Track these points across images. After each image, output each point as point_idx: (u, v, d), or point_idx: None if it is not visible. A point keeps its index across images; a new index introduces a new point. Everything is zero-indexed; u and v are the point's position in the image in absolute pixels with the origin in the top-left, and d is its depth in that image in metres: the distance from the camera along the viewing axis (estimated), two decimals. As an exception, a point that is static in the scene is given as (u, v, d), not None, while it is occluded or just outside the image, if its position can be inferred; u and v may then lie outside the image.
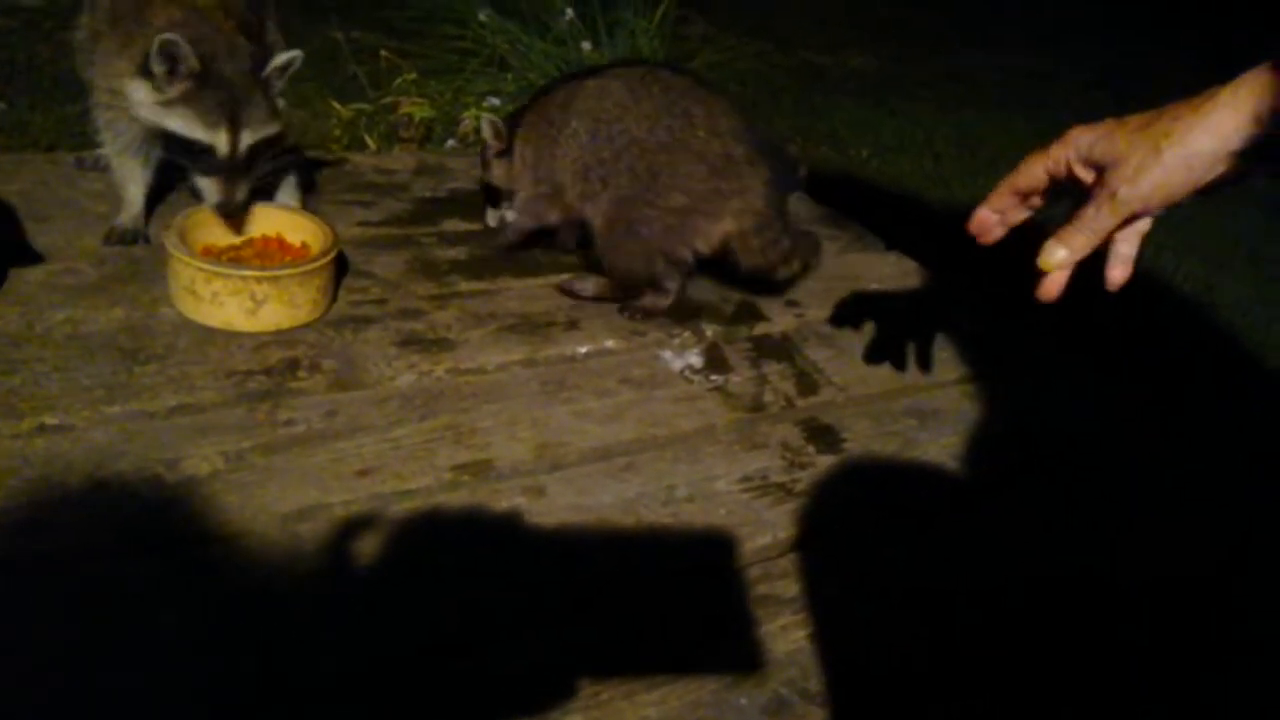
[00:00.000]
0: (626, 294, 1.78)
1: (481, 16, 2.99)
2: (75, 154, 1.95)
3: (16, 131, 3.32)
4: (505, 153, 1.86)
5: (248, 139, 1.48)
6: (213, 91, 1.45)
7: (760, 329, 1.82)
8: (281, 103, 1.56)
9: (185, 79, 1.43)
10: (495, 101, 2.86)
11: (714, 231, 1.73)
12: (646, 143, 1.69)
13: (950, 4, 7.13)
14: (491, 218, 1.97)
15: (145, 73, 1.43)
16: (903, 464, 1.48)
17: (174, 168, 1.63)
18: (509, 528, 1.21)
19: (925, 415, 1.60)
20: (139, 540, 1.07)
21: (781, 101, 4.93)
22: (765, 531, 1.26)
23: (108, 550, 1.05)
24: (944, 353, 1.82)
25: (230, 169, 1.49)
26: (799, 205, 2.41)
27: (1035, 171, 0.99)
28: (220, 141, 1.46)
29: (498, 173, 1.89)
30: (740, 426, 1.50)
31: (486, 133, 1.86)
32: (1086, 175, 0.94)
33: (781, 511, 1.30)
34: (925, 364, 1.76)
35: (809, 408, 1.58)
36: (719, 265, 1.82)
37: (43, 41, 4.19)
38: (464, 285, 1.79)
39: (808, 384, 1.64)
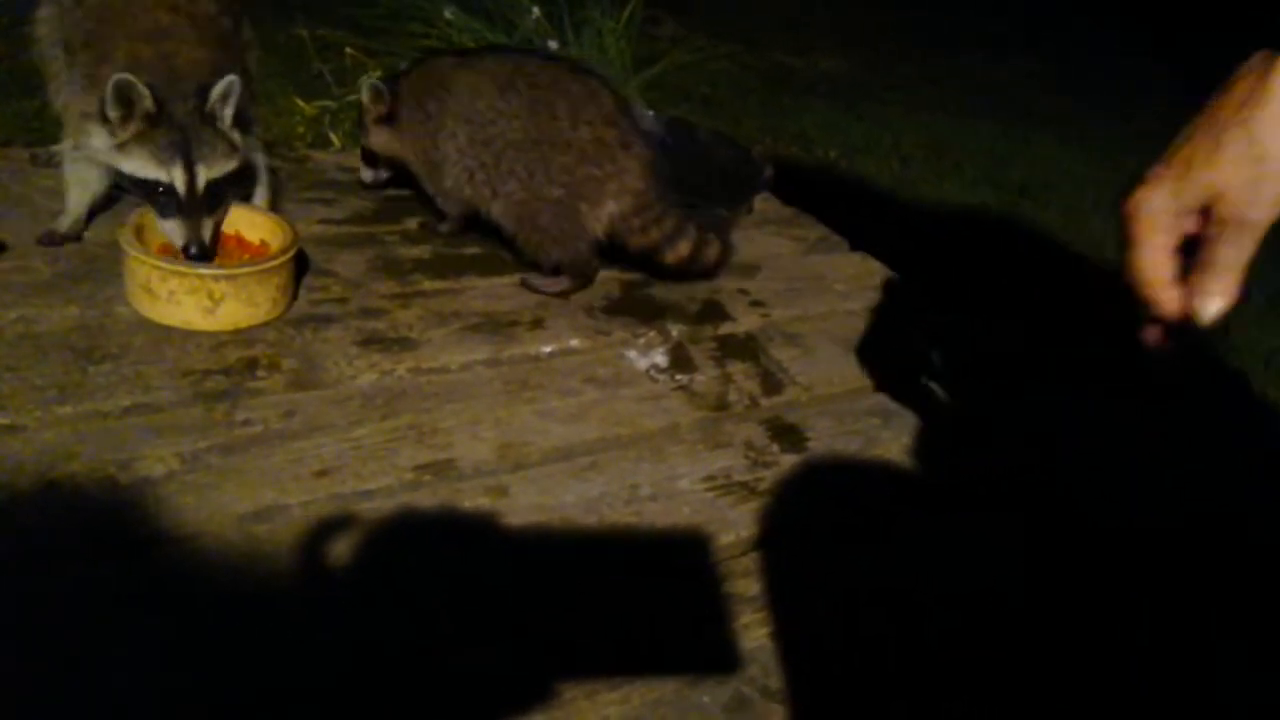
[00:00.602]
0: (582, 282, 1.82)
1: (447, 14, 2.98)
2: (30, 149, 1.91)
3: (-32, 127, 3.25)
4: (387, 120, 1.90)
5: (204, 175, 1.46)
6: (165, 130, 1.43)
7: (725, 329, 1.82)
8: (236, 135, 1.52)
9: (139, 120, 1.42)
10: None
11: (600, 215, 1.78)
12: (521, 144, 1.75)
13: (921, 9, 7.21)
14: (366, 175, 2.04)
15: (104, 118, 1.42)
16: (865, 463, 1.49)
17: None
18: (471, 528, 1.21)
19: (889, 414, 1.61)
20: (91, 543, 1.05)
21: (750, 102, 4.96)
22: (728, 530, 1.26)
23: (59, 554, 1.03)
24: (907, 352, 1.83)
25: (191, 208, 1.46)
26: (765, 205, 2.42)
27: (1156, 260, 0.84)
28: (176, 177, 1.44)
29: (377, 140, 1.94)
30: (704, 426, 1.50)
31: (366, 98, 1.90)
32: (1190, 225, 0.83)
33: (745, 510, 1.30)
34: (889, 363, 1.77)
35: (773, 407, 1.58)
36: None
37: (4, 37, 4.12)
38: (427, 284, 1.77)
39: (772, 383, 1.65)
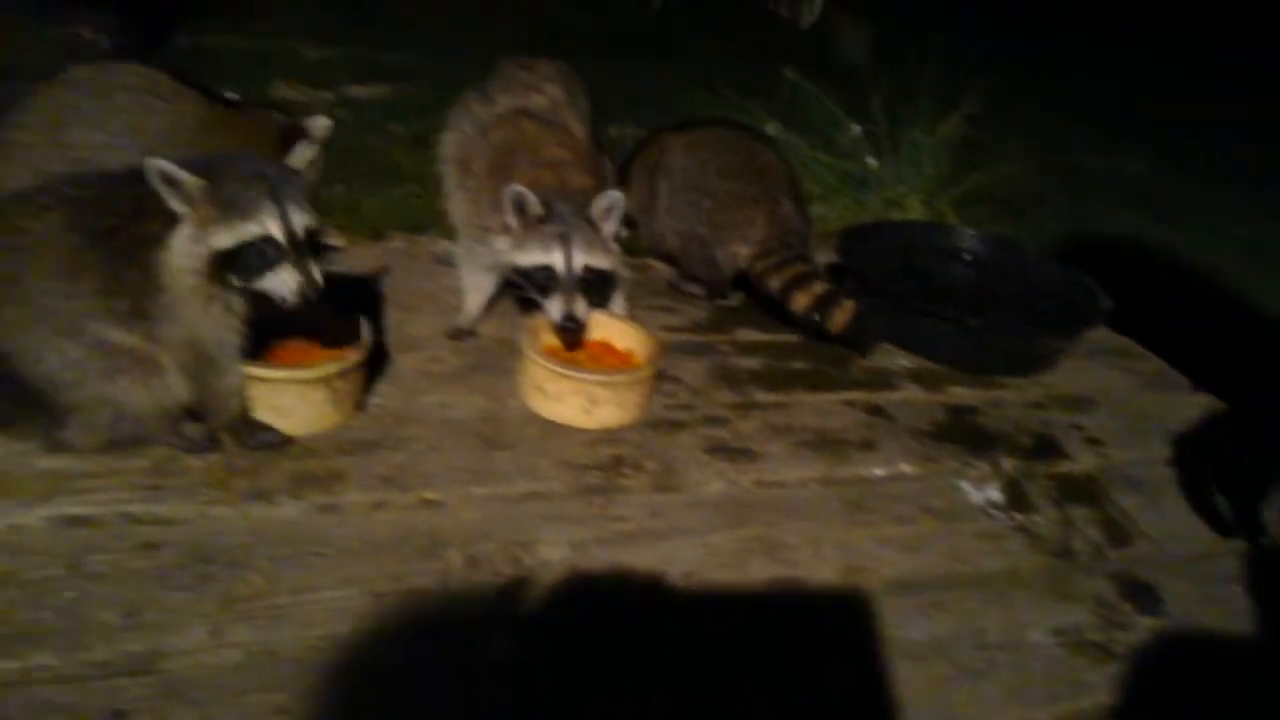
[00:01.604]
0: (714, 296, 2.28)
1: (769, 129, 3.15)
2: (435, 249, 2.24)
3: (351, 213, 3.83)
4: (622, 179, 2.29)
5: (580, 259, 1.66)
6: (550, 225, 1.66)
7: (1062, 467, 1.78)
8: (615, 246, 1.73)
9: (531, 221, 1.66)
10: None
11: (730, 255, 2.19)
12: (690, 188, 2.21)
13: (1221, 98, 6.67)
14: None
15: (505, 229, 1.68)
16: (1228, 637, 1.39)
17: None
18: (820, 648, 1.26)
19: (1247, 581, 1.50)
20: (510, 620, 1.22)
21: (1053, 209, 4.79)
22: (1085, 694, 1.23)
23: (486, 627, 1.20)
24: (1268, 509, 1.69)
25: (567, 286, 1.66)
26: (1094, 333, 2.33)
27: None
28: (556, 260, 1.66)
29: None
30: (1049, 573, 1.48)
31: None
32: None
33: (1102, 674, 1.27)
34: (1247, 521, 1.65)
35: (1122, 560, 1.53)
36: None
37: (371, 131, 4.83)
38: (761, 396, 1.88)
39: (1118, 533, 1.59)
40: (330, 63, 5.55)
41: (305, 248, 1.32)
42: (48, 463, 1.34)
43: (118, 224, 1.28)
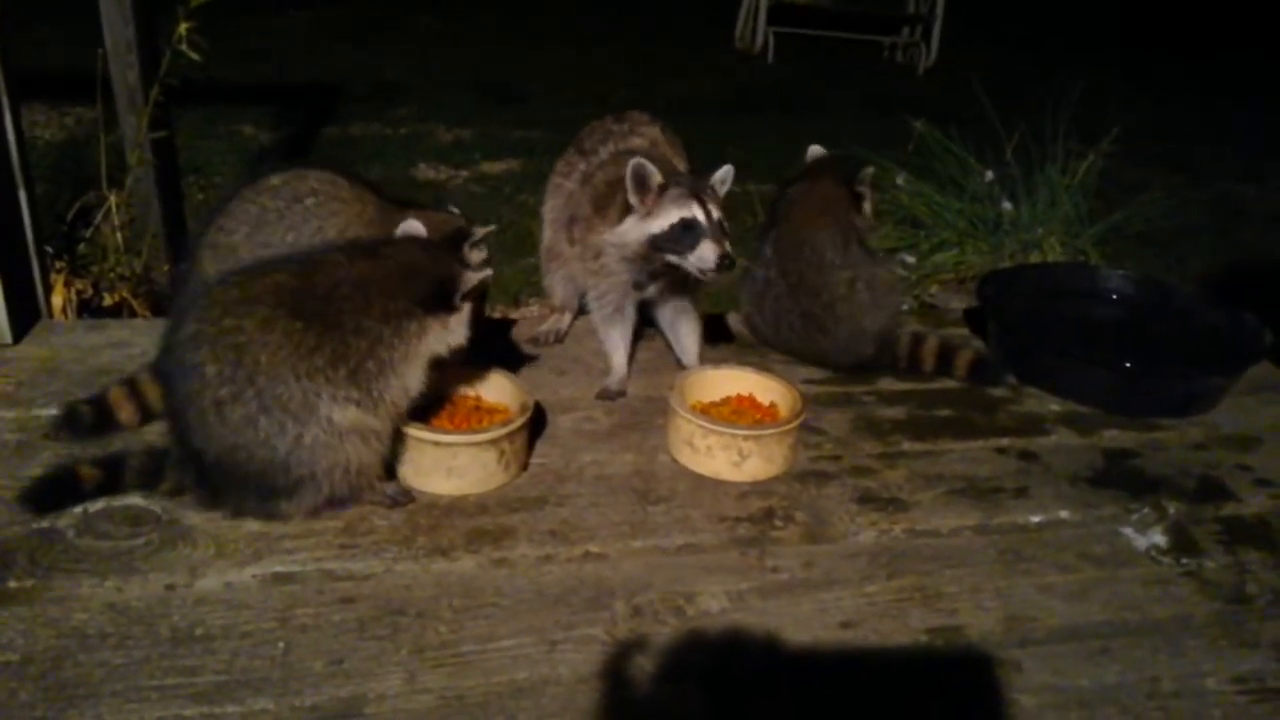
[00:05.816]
0: None
1: (899, 180, 3.18)
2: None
3: (493, 283, 4.03)
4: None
5: (715, 211, 1.76)
6: (674, 186, 1.77)
7: (1229, 509, 1.71)
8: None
9: (654, 192, 1.76)
10: (909, 259, 3.01)
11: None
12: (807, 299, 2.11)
13: None
14: None
15: (626, 211, 1.79)
16: None
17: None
18: (988, 701, 1.26)
19: None
20: (676, 669, 1.28)
21: (1202, 241, 4.58)
22: (1275, 745, 1.19)
23: (657, 673, 1.26)
24: None
25: (714, 231, 1.74)
26: (1257, 369, 2.23)
27: None
28: (697, 211, 1.75)
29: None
30: (1223, 619, 1.43)
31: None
32: None
33: (1291, 724, 1.22)
34: None
35: (1305, 606, 1.46)
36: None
37: (505, 204, 5.10)
38: (907, 445, 1.89)
39: (1299, 578, 1.52)
40: (464, 142, 5.92)
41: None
42: (255, 526, 1.49)
43: (337, 303, 1.42)
